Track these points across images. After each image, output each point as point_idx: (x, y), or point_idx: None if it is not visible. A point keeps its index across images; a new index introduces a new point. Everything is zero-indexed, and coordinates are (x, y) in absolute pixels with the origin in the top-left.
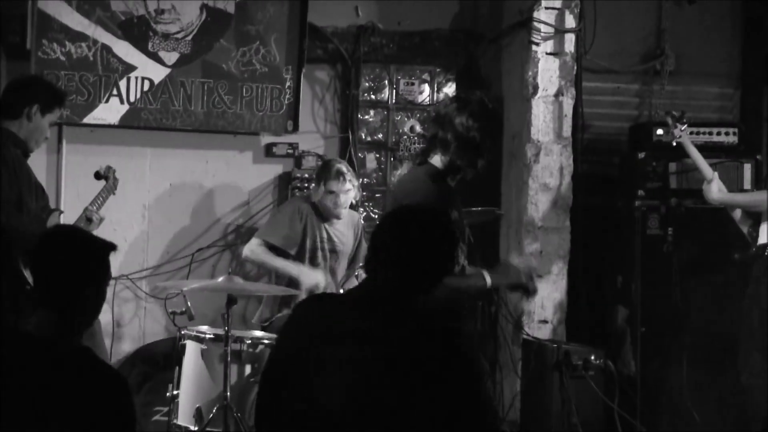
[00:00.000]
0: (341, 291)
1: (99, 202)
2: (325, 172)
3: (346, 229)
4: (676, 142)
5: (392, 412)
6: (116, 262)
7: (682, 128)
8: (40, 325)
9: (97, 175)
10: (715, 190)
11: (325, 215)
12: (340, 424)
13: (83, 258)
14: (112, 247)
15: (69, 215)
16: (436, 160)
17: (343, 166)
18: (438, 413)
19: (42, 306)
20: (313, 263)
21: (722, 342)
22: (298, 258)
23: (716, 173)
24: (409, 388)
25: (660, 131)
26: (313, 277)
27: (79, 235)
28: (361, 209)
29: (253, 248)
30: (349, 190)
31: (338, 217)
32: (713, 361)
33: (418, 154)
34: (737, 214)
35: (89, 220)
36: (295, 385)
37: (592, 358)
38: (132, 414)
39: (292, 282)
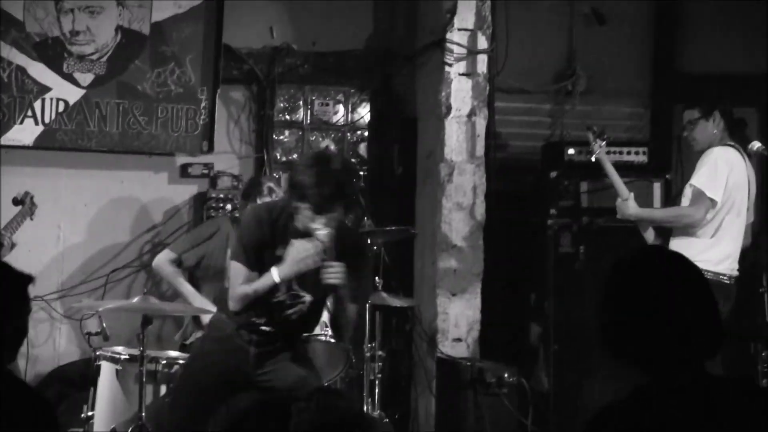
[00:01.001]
0: None
1: (14, 226)
2: (256, 189)
3: None
4: (595, 158)
5: None
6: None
7: (602, 144)
8: None
9: (15, 201)
10: (633, 206)
11: None
12: None
13: (3, 295)
14: (29, 279)
15: None
16: None
17: (272, 183)
18: None
19: None
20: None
21: None
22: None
23: (632, 193)
24: None
25: (572, 150)
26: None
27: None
28: None
29: (161, 263)
30: None
31: None
32: (626, 378)
33: None
34: (650, 234)
35: (1, 244)
36: None
37: (506, 375)
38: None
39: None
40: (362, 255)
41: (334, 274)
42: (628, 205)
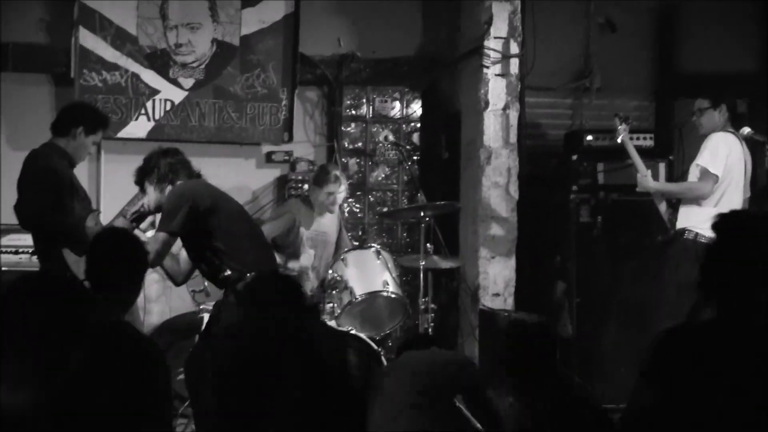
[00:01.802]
0: (330, 272)
1: (135, 201)
2: (324, 176)
3: (330, 222)
4: (621, 140)
5: None
6: None
7: (626, 128)
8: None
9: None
10: (651, 180)
11: (320, 211)
12: None
13: (129, 255)
14: (144, 249)
15: (107, 214)
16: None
17: (338, 171)
18: None
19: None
20: (304, 253)
21: (643, 309)
22: (294, 247)
23: (649, 170)
24: None
25: (590, 137)
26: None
27: (128, 237)
28: (345, 205)
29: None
30: (342, 191)
31: (332, 212)
32: (636, 325)
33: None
34: (663, 205)
35: (124, 217)
36: None
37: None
38: (167, 375)
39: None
40: None
41: None
42: (648, 180)
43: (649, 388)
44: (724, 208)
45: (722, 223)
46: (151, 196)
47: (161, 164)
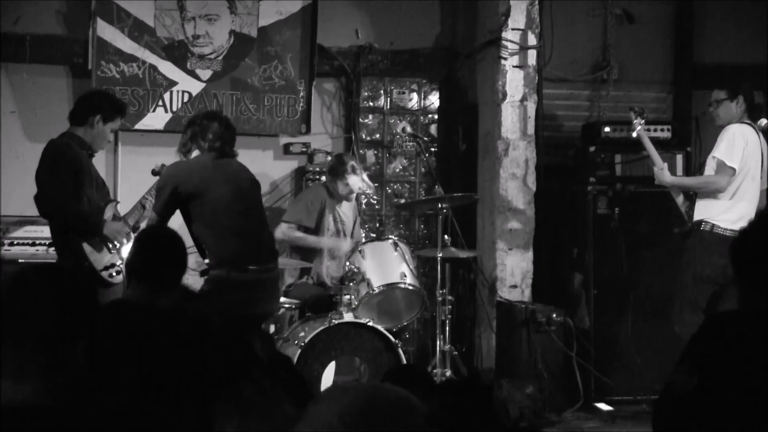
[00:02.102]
0: (347, 264)
1: (153, 191)
2: (341, 168)
3: (348, 211)
4: (636, 133)
5: None
6: None
7: (641, 122)
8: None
9: (153, 172)
10: (668, 174)
11: (338, 199)
12: None
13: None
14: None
15: (125, 204)
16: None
17: (355, 162)
18: None
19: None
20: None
21: (660, 301)
22: (317, 234)
23: (666, 163)
24: None
25: (607, 129)
26: (344, 244)
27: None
28: (363, 196)
29: (284, 230)
30: (359, 181)
31: (349, 201)
32: (652, 317)
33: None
34: (680, 198)
35: (143, 206)
36: None
37: (554, 315)
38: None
39: (314, 252)
40: None
41: None
42: (664, 173)
43: (691, 372)
44: (741, 200)
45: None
46: None
47: (186, 132)
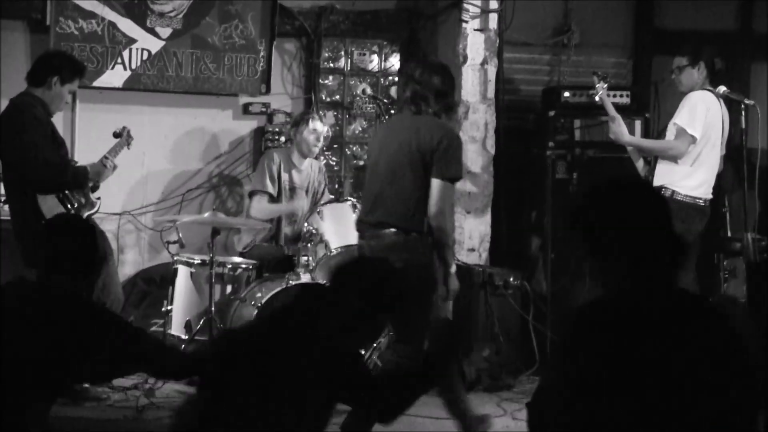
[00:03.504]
0: (305, 225)
1: (114, 153)
2: (307, 115)
3: (306, 173)
4: (598, 97)
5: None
6: (120, 200)
7: (604, 86)
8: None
9: (115, 134)
10: (626, 132)
11: (301, 154)
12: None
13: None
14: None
15: (82, 161)
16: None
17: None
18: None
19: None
20: (279, 200)
21: None
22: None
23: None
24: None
25: (567, 93)
26: (299, 206)
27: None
28: (322, 158)
29: (255, 206)
30: (323, 131)
31: (313, 156)
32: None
33: (410, 107)
34: (640, 163)
35: (104, 166)
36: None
37: (511, 279)
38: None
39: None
40: None
41: None
42: (622, 132)
43: (569, 365)
44: (702, 167)
45: (597, 192)
46: None
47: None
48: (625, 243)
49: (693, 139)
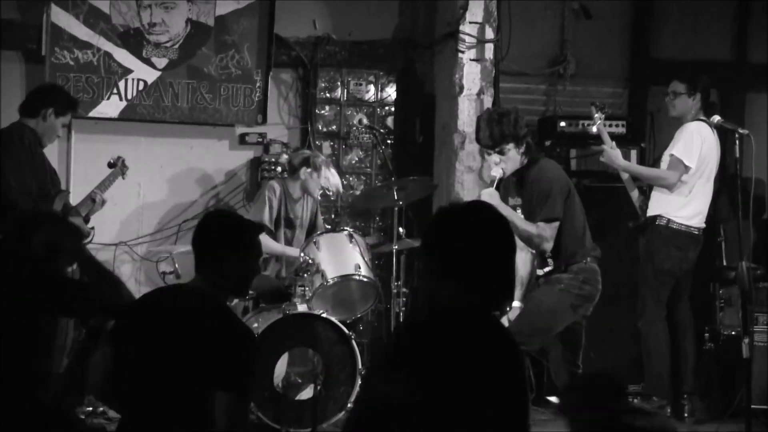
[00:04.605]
0: (301, 255)
1: (106, 184)
2: (320, 159)
3: (301, 204)
4: (596, 127)
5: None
6: (115, 231)
7: (601, 117)
8: (196, 284)
9: (110, 164)
10: (620, 156)
11: (302, 189)
12: None
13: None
14: (260, 228)
15: (76, 194)
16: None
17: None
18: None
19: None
20: (276, 235)
21: (612, 295)
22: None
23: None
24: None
25: (563, 123)
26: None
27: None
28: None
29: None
30: (336, 184)
31: (315, 197)
32: (607, 309)
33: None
34: (635, 193)
35: (93, 200)
36: None
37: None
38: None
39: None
40: None
41: None
42: (617, 155)
43: (389, 382)
44: (696, 198)
45: (440, 216)
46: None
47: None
48: (456, 268)
49: (686, 170)
